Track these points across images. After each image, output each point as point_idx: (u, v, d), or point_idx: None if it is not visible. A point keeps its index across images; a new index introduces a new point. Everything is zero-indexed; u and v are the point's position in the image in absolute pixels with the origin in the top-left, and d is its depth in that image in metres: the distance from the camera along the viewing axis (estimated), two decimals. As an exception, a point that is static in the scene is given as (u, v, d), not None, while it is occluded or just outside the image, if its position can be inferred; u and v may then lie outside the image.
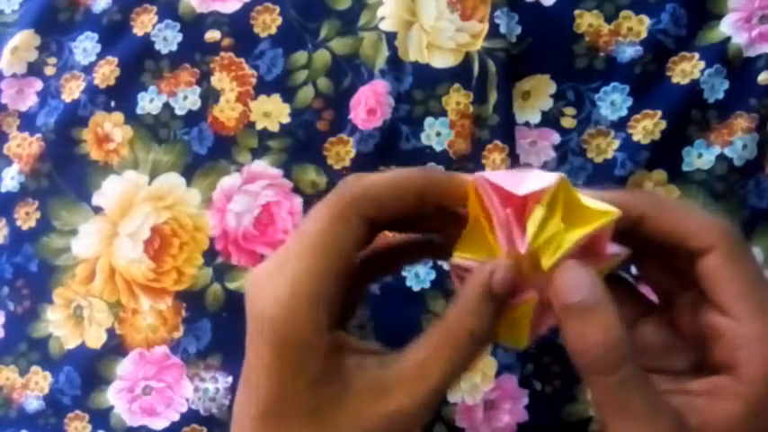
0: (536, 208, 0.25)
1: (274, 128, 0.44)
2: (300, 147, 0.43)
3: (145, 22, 0.47)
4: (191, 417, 0.42)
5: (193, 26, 0.46)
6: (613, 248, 0.26)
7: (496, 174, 0.26)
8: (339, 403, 0.25)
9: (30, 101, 0.48)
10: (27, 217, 0.46)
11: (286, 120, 0.44)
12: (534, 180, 0.25)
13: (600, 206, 0.25)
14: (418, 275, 0.41)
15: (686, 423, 0.24)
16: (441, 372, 0.25)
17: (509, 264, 0.25)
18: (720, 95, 0.40)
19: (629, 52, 0.41)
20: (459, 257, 0.26)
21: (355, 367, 0.25)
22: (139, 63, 0.46)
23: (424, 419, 0.26)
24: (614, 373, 0.23)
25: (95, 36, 0.47)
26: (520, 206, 0.25)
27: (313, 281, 0.25)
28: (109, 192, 0.45)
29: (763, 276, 0.26)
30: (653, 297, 0.29)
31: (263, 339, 0.25)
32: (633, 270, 0.31)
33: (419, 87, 0.43)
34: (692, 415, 0.24)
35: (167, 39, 0.46)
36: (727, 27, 0.40)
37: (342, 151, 0.43)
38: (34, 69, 0.48)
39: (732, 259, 0.25)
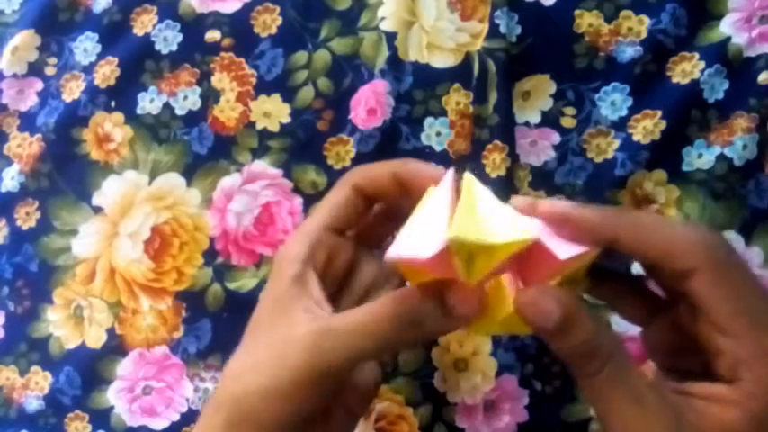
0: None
1: (274, 128, 0.44)
2: (300, 147, 0.43)
3: (145, 23, 0.47)
4: (191, 417, 0.42)
5: (193, 26, 0.46)
6: (571, 250, 0.25)
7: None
8: (279, 324, 0.29)
9: (30, 101, 0.48)
10: (27, 217, 0.46)
11: (286, 120, 0.44)
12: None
13: (511, 238, 0.24)
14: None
15: (683, 417, 0.25)
16: (376, 324, 0.27)
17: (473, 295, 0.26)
18: (720, 95, 0.40)
19: (629, 52, 0.41)
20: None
21: (301, 306, 0.29)
22: (140, 63, 0.46)
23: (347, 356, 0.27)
24: (600, 373, 0.25)
25: (96, 36, 0.47)
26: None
27: (305, 226, 0.32)
28: (109, 192, 0.45)
29: (755, 286, 0.25)
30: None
31: (272, 268, 0.32)
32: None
33: (419, 87, 0.43)
34: (691, 414, 0.25)
35: (167, 39, 0.46)
36: (727, 27, 0.40)
37: (342, 151, 0.43)
38: (34, 69, 0.48)
39: (719, 278, 0.25)
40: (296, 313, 0.29)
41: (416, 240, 0.25)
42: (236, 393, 0.28)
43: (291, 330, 0.28)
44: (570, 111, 0.41)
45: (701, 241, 0.25)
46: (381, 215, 0.34)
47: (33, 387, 0.44)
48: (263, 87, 0.44)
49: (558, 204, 0.26)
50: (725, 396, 0.25)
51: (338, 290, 0.33)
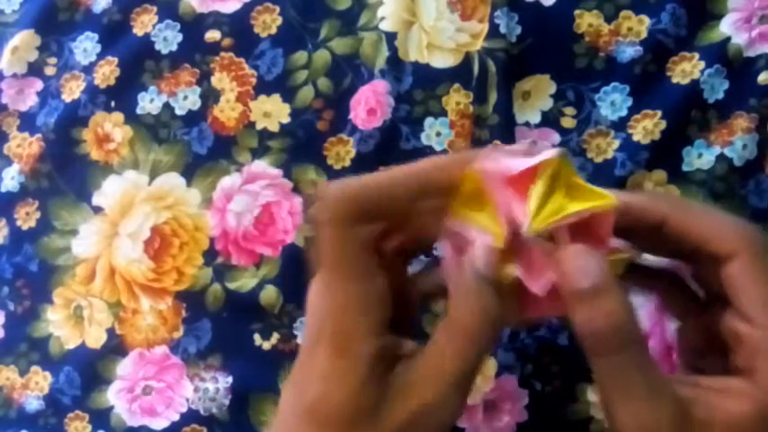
0: (537, 183, 0.25)
1: (274, 128, 0.44)
2: (300, 147, 0.43)
3: (145, 22, 0.47)
4: (191, 417, 0.42)
5: (193, 26, 0.46)
6: (617, 242, 0.26)
7: (495, 159, 0.26)
8: (378, 409, 0.25)
9: (30, 101, 0.48)
10: (27, 217, 0.46)
11: (286, 120, 0.44)
12: (533, 158, 0.25)
13: (600, 190, 0.25)
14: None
15: (691, 412, 0.24)
16: (456, 363, 0.25)
17: (488, 245, 0.25)
18: (720, 95, 0.40)
19: (629, 52, 0.41)
20: (452, 223, 0.26)
21: (396, 370, 0.26)
22: (139, 63, 0.46)
23: (452, 412, 0.26)
24: (617, 355, 0.24)
25: (95, 36, 0.47)
26: (522, 184, 0.25)
27: (345, 288, 0.26)
28: (109, 192, 0.45)
29: None
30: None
31: (319, 348, 0.26)
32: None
33: (419, 87, 0.43)
34: (699, 408, 0.25)
35: (167, 39, 0.46)
36: (727, 27, 0.40)
37: (342, 151, 0.43)
38: (34, 69, 0.48)
39: (755, 266, 0.25)
40: (404, 402, 0.25)
41: (503, 164, 0.25)
42: None
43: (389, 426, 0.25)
44: (570, 111, 0.41)
45: (743, 229, 0.26)
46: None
47: (33, 387, 0.44)
48: (263, 87, 0.44)
49: (605, 190, 0.26)
50: (737, 388, 0.25)
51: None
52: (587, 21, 0.42)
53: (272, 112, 0.44)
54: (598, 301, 0.24)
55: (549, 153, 0.25)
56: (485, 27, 0.42)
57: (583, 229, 0.25)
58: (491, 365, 0.39)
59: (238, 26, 0.45)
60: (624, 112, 0.40)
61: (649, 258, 0.28)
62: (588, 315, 0.24)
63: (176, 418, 0.42)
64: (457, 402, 0.26)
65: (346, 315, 0.25)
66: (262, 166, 0.44)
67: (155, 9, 0.47)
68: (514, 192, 0.25)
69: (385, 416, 0.25)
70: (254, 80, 0.45)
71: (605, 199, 0.25)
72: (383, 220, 0.26)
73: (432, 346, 0.26)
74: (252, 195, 0.43)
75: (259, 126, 0.44)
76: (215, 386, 0.42)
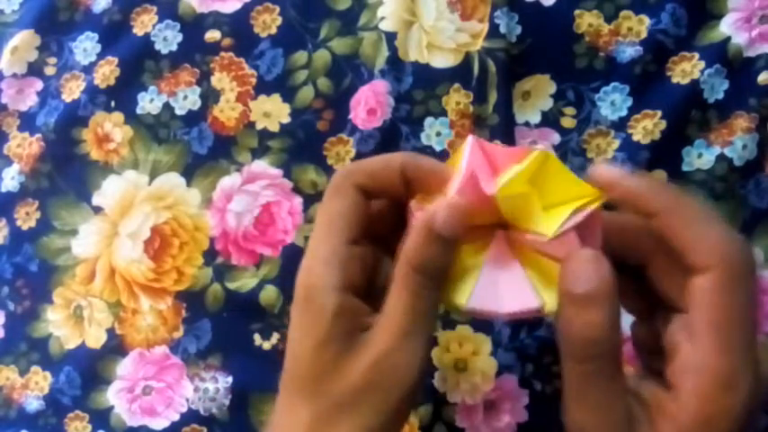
0: (513, 166, 0.26)
1: (274, 128, 0.44)
2: (300, 147, 0.43)
3: (145, 22, 0.47)
4: (191, 417, 0.42)
5: (193, 26, 0.46)
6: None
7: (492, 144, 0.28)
8: (336, 368, 0.27)
9: (30, 101, 0.48)
10: (27, 217, 0.46)
11: (286, 120, 0.44)
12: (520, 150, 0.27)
13: (587, 186, 0.26)
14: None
15: (633, 429, 0.25)
16: (403, 316, 0.26)
17: (454, 204, 0.26)
18: (720, 95, 0.40)
19: (629, 52, 0.41)
20: (415, 203, 0.28)
21: (357, 334, 0.27)
22: (139, 63, 0.46)
23: (408, 362, 0.26)
24: (585, 364, 0.25)
25: (95, 36, 0.47)
26: (498, 166, 0.27)
27: (325, 245, 0.28)
28: (109, 192, 0.45)
29: (749, 315, 0.25)
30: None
31: (293, 306, 0.28)
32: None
33: (419, 87, 0.43)
34: (641, 427, 0.25)
35: (167, 39, 0.46)
36: (727, 27, 0.40)
37: (342, 151, 0.43)
38: (34, 69, 0.48)
39: (724, 288, 0.24)
40: (360, 356, 0.26)
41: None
42: None
43: (376, 375, 0.26)
44: (570, 111, 0.41)
45: (728, 245, 0.25)
46: (383, 212, 0.32)
47: (33, 387, 0.44)
48: (263, 87, 0.44)
49: (614, 170, 0.26)
50: (663, 405, 0.25)
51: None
52: (587, 21, 0.42)
53: (272, 112, 0.44)
54: (586, 310, 0.24)
55: (537, 149, 0.27)
56: (485, 27, 0.42)
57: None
58: (491, 365, 0.39)
59: (238, 26, 0.45)
60: (624, 112, 0.40)
61: None
62: (572, 319, 0.25)
63: (176, 418, 0.42)
64: (411, 350, 0.26)
65: (315, 269, 0.27)
66: (262, 166, 0.44)
67: (155, 9, 0.47)
68: (489, 167, 0.27)
69: (347, 369, 0.26)
70: (254, 80, 0.45)
71: (594, 194, 0.26)
72: (377, 191, 0.29)
73: (386, 302, 0.27)
74: (252, 195, 0.43)
75: (259, 126, 0.44)
76: (215, 386, 0.42)
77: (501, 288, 0.27)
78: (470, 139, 0.28)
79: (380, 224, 0.31)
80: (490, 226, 0.28)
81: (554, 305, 0.26)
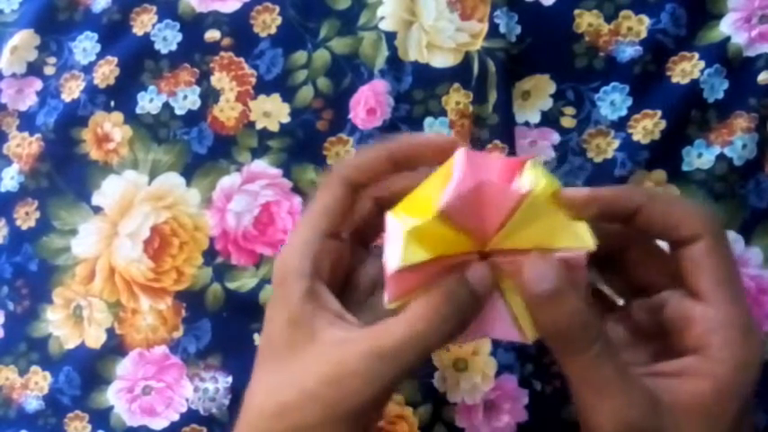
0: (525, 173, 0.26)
1: (274, 128, 0.44)
2: (300, 146, 0.43)
3: (144, 22, 0.47)
4: (190, 417, 0.42)
5: (193, 26, 0.46)
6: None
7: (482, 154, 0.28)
8: (305, 346, 0.28)
9: (29, 100, 0.48)
10: (27, 217, 0.46)
11: (286, 119, 0.44)
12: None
13: (582, 230, 0.27)
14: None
15: (659, 400, 0.25)
16: (394, 344, 0.26)
17: (483, 265, 0.27)
18: (720, 95, 0.40)
19: (628, 52, 0.41)
20: (391, 215, 0.27)
21: (326, 323, 0.28)
22: (139, 63, 0.46)
23: (373, 391, 0.26)
24: (587, 352, 0.25)
25: (95, 36, 0.47)
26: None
27: (302, 235, 0.30)
28: (108, 192, 0.45)
29: (737, 268, 0.28)
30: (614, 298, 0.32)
31: (273, 286, 0.30)
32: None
33: (419, 87, 0.43)
34: (663, 394, 0.26)
35: (167, 38, 0.46)
36: (726, 27, 0.40)
37: (342, 151, 0.43)
38: (34, 69, 0.48)
39: (716, 249, 0.27)
40: (323, 332, 0.27)
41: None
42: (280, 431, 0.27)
43: (333, 353, 0.27)
44: (570, 111, 0.41)
45: (705, 214, 0.28)
46: (375, 210, 0.32)
47: (33, 387, 0.44)
48: (263, 87, 0.44)
49: (582, 190, 0.27)
50: (692, 368, 0.26)
51: (340, 292, 0.31)
52: (587, 20, 0.42)
53: (272, 111, 0.44)
54: (559, 303, 0.25)
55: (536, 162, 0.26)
56: (484, 27, 0.42)
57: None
58: (491, 365, 0.39)
59: (238, 26, 0.45)
60: (624, 112, 0.40)
61: None
62: (552, 317, 0.26)
63: (176, 418, 0.42)
64: (380, 380, 0.26)
65: (288, 255, 0.30)
66: (261, 165, 0.44)
67: (154, 9, 0.47)
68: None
69: (306, 357, 0.27)
70: (253, 80, 0.45)
71: (582, 241, 0.26)
72: (366, 181, 0.31)
73: (384, 323, 0.27)
74: (251, 195, 0.43)
75: (259, 126, 0.44)
76: (215, 386, 0.42)
77: (486, 320, 0.28)
78: (461, 151, 0.27)
79: (370, 224, 0.32)
80: (461, 255, 0.27)
81: (534, 335, 0.28)
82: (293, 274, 0.29)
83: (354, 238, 0.32)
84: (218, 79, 0.45)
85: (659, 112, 0.40)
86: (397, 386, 0.28)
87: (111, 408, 0.43)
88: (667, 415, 0.25)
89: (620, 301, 0.31)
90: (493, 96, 0.42)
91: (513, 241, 0.27)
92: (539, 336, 0.28)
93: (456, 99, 0.42)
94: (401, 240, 0.26)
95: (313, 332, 0.28)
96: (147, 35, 0.46)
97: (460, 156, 0.26)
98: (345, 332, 0.28)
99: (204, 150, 0.44)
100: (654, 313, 0.29)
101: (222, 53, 0.45)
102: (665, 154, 0.40)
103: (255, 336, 0.42)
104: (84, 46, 0.47)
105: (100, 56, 0.47)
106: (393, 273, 0.26)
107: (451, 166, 0.26)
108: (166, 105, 0.45)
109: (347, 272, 0.32)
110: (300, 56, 0.44)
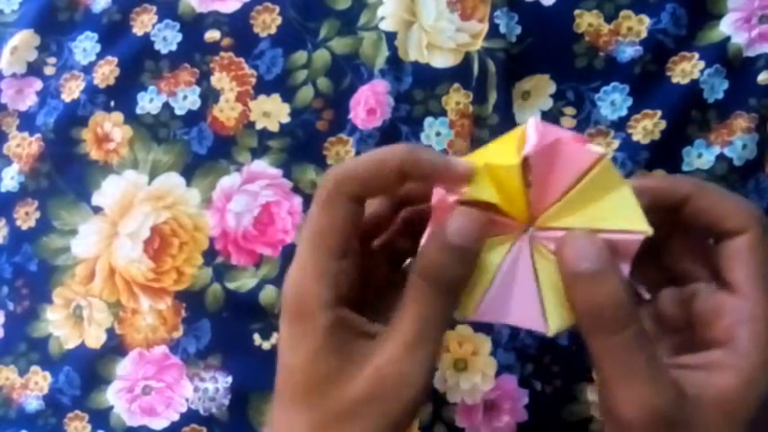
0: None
1: (274, 128, 0.44)
2: (300, 146, 0.43)
3: (144, 22, 0.47)
4: (190, 417, 0.42)
5: (193, 26, 0.46)
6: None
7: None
8: (334, 379, 0.26)
9: (29, 101, 0.48)
10: (27, 217, 0.46)
11: (286, 119, 0.44)
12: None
13: (639, 214, 0.26)
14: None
15: (685, 392, 0.25)
16: (411, 326, 0.26)
17: (467, 211, 0.26)
18: (720, 95, 0.40)
19: (628, 52, 0.41)
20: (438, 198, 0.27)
21: (354, 345, 0.27)
22: (139, 63, 0.46)
23: (412, 377, 0.26)
24: (620, 333, 0.25)
25: (95, 36, 0.47)
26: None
27: (315, 260, 0.27)
28: (108, 191, 0.45)
29: None
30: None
31: (282, 317, 0.28)
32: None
33: (419, 87, 0.43)
34: (689, 387, 0.25)
35: (167, 39, 0.46)
36: (726, 27, 0.40)
37: (342, 151, 0.43)
38: (34, 69, 0.48)
39: (759, 243, 0.27)
40: (356, 355, 0.26)
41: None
42: None
43: (369, 371, 0.26)
44: (570, 111, 0.41)
45: (753, 208, 0.28)
46: (402, 227, 0.31)
47: (33, 387, 0.44)
48: (263, 87, 0.44)
49: (632, 180, 0.27)
50: (719, 361, 0.26)
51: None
52: (587, 21, 0.42)
53: (272, 111, 0.44)
54: (598, 282, 0.25)
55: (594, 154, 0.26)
56: (484, 27, 0.42)
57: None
58: (491, 365, 0.39)
59: (238, 26, 0.45)
60: (624, 112, 0.40)
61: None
62: (589, 295, 0.25)
63: (176, 418, 0.42)
64: (416, 362, 0.26)
65: (306, 285, 0.27)
66: (261, 165, 0.44)
67: (154, 9, 0.47)
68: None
69: (346, 380, 0.26)
70: (253, 80, 0.45)
71: (641, 225, 0.26)
72: (372, 196, 0.28)
73: (394, 314, 0.27)
74: (251, 195, 0.43)
75: (259, 126, 0.44)
76: (215, 386, 0.42)
77: (511, 302, 0.27)
78: (533, 119, 0.27)
79: (376, 228, 0.31)
80: (517, 221, 0.27)
81: (558, 328, 0.26)
82: (315, 306, 0.27)
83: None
84: (218, 79, 0.45)
85: (659, 113, 0.40)
86: (430, 379, 0.27)
87: (111, 408, 0.43)
88: (692, 407, 0.25)
89: (647, 296, 0.30)
90: (493, 96, 0.42)
91: (567, 216, 0.26)
92: (562, 329, 0.27)
93: (456, 99, 0.42)
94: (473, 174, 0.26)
95: (351, 359, 0.26)
96: (147, 35, 0.46)
97: (533, 122, 0.26)
98: (375, 345, 0.27)
99: (204, 150, 0.44)
100: (683, 304, 0.29)
101: (222, 53, 0.45)
102: (665, 154, 0.40)
103: (255, 336, 0.42)
104: (84, 46, 0.47)
105: (100, 56, 0.47)
106: (453, 202, 0.26)
107: (521, 133, 0.27)
108: (166, 105, 0.45)
109: (372, 284, 0.30)
110: (300, 56, 0.44)
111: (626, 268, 0.26)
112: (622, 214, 0.26)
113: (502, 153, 0.27)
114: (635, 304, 0.25)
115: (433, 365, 0.27)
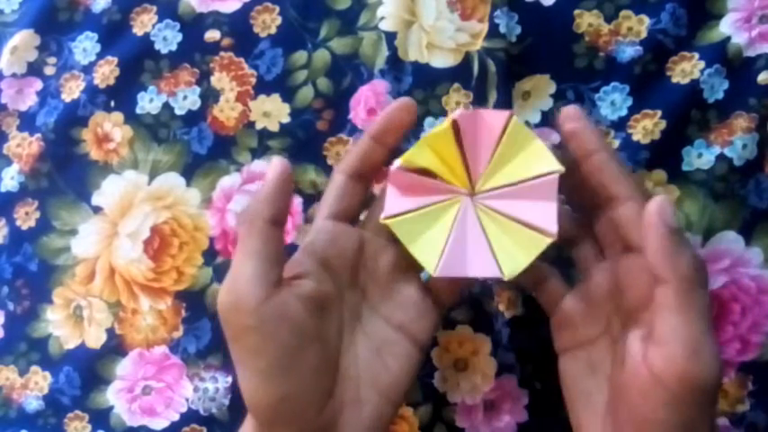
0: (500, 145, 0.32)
1: (274, 128, 0.44)
2: (300, 147, 0.43)
3: (144, 22, 0.47)
4: (190, 417, 0.42)
5: (193, 26, 0.46)
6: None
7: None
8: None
9: (29, 101, 0.48)
10: (27, 217, 0.46)
11: (286, 119, 0.44)
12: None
13: (548, 161, 0.30)
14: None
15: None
16: (252, 262, 0.29)
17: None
18: (720, 95, 0.40)
19: (628, 52, 0.41)
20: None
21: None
22: (139, 63, 0.46)
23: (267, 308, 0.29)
24: (702, 288, 0.27)
25: (95, 36, 0.47)
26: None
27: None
28: (108, 191, 0.45)
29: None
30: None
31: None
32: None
33: (419, 87, 0.43)
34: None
35: (167, 38, 0.46)
36: (726, 27, 0.40)
37: (342, 151, 0.43)
38: (34, 69, 0.48)
39: (641, 208, 0.29)
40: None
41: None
42: None
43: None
44: (570, 111, 0.41)
45: (632, 177, 0.31)
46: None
47: (33, 387, 0.44)
48: (263, 87, 0.44)
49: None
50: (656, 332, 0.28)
51: (356, 278, 0.33)
52: (587, 21, 0.42)
53: (272, 111, 0.44)
54: (685, 240, 0.27)
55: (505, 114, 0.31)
56: (485, 27, 0.42)
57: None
58: (491, 365, 0.39)
59: (238, 26, 0.45)
60: (624, 112, 0.40)
61: None
62: (676, 248, 0.27)
63: (176, 418, 0.42)
64: (266, 298, 0.29)
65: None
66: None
67: (154, 9, 0.47)
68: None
69: None
70: (253, 80, 0.45)
71: (554, 165, 0.30)
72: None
73: None
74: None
75: (259, 126, 0.44)
76: (215, 386, 0.42)
77: (467, 256, 0.31)
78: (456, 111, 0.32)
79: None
80: (453, 186, 0.32)
81: (512, 271, 0.30)
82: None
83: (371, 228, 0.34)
84: (218, 79, 0.45)
85: (659, 112, 0.40)
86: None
87: (111, 408, 0.43)
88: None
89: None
90: (493, 96, 0.42)
91: (496, 176, 0.32)
92: (515, 273, 0.30)
93: (456, 99, 0.42)
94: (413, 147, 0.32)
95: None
96: (147, 35, 0.46)
97: (455, 112, 0.32)
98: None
99: (204, 150, 0.44)
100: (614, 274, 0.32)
101: (222, 53, 0.45)
102: (665, 154, 0.40)
103: (255, 336, 0.42)
104: (85, 46, 0.47)
105: (100, 56, 0.47)
106: (394, 170, 0.31)
107: (450, 120, 0.32)
108: (166, 105, 0.45)
109: (358, 256, 0.33)
110: (300, 56, 0.44)
111: (555, 204, 0.30)
112: (537, 162, 0.30)
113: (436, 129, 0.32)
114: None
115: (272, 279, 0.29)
